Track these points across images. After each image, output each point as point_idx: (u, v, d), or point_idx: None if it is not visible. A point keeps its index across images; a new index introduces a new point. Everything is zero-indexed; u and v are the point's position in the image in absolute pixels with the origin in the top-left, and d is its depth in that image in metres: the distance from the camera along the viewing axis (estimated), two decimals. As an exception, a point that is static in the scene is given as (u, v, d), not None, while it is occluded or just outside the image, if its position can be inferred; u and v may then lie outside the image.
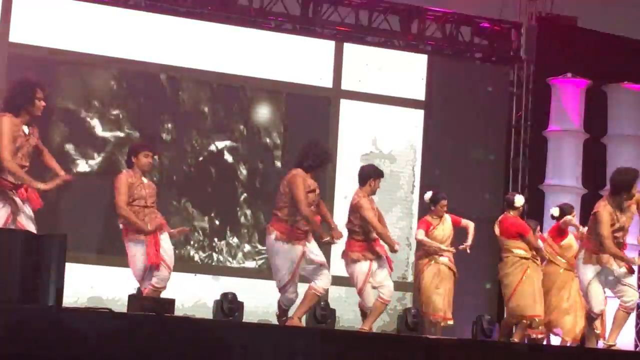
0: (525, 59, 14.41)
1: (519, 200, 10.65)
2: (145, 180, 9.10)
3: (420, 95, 14.01)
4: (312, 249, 9.11)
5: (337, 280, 11.62)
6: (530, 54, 14.40)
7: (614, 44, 14.21)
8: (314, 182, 9.01)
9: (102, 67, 12.68)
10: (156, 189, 9.31)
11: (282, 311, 9.29)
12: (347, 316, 12.72)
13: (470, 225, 10.85)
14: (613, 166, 14.13)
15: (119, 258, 10.79)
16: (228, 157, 13.13)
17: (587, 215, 9.80)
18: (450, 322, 10.72)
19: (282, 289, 9.15)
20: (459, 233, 11.02)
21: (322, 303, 11.45)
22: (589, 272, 9.26)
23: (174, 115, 12.98)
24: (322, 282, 9.15)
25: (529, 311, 10.23)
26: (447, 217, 10.82)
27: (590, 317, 9.56)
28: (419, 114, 13.99)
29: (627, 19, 14.08)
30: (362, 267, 9.51)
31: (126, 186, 8.88)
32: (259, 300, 12.30)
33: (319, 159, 9.08)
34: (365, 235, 9.56)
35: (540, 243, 10.66)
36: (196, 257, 12.83)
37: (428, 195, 11.00)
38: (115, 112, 12.73)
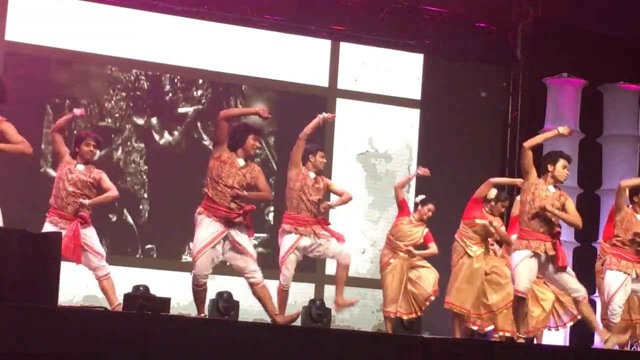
0: (521, 59, 14.42)
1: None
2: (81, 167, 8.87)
3: (416, 94, 14.02)
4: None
5: (332, 280, 11.62)
6: (526, 54, 14.41)
7: (610, 44, 14.21)
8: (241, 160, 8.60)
9: (97, 65, 12.68)
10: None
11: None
12: (343, 315, 12.72)
13: (432, 248, 10.80)
14: (608, 166, 14.19)
15: (114, 257, 10.80)
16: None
17: (586, 214, 9.78)
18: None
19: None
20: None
21: (317, 302, 11.46)
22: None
23: (169, 113, 12.98)
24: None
25: None
26: (425, 229, 10.79)
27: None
28: (415, 113, 14.00)
29: (622, 19, 14.08)
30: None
31: None
32: (255, 299, 12.31)
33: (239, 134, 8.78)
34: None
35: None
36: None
37: (419, 197, 11.00)
38: (110, 109, 12.73)
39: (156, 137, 12.95)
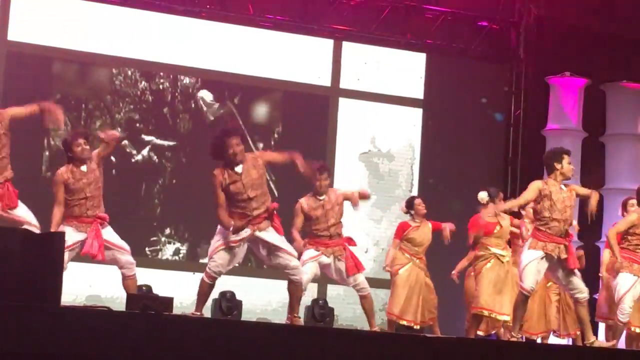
0: (524, 58, 14.41)
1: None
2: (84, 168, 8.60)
3: (419, 93, 14.02)
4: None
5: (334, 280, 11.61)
6: (529, 53, 14.40)
7: (613, 43, 14.20)
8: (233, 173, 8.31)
9: (100, 65, 12.69)
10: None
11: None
12: (346, 315, 12.74)
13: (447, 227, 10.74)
14: (611, 165, 14.19)
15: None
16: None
17: (586, 213, 9.77)
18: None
19: None
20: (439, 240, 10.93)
21: (320, 302, 11.46)
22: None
23: (170, 113, 12.98)
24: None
25: None
26: (427, 223, 10.75)
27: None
28: (418, 112, 14.00)
29: (624, 18, 14.07)
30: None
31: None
32: (258, 299, 12.33)
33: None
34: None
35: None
36: (194, 256, 12.85)
37: (403, 204, 10.94)
38: (112, 109, 12.73)
39: (159, 135, 12.95)
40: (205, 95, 13.15)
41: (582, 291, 8.81)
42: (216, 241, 8.28)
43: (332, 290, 12.73)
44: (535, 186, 8.74)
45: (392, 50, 13.91)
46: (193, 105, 13.08)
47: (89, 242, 8.39)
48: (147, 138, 12.92)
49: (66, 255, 8.49)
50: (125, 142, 12.66)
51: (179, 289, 10.24)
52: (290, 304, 8.57)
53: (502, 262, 10.08)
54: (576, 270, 8.85)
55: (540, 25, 14.36)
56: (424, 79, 14.03)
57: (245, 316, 11.08)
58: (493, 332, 10.56)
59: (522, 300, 8.74)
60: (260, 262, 8.33)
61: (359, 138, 13.71)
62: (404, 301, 10.51)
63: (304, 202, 9.32)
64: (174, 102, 13.03)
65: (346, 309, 12.75)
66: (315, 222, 9.29)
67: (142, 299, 7.30)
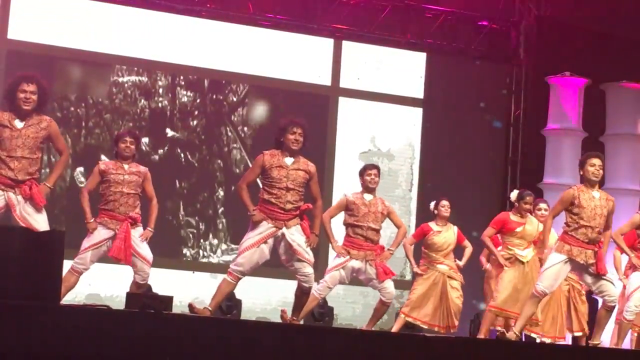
0: (524, 58, 14.42)
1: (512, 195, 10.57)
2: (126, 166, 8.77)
3: (419, 93, 14.03)
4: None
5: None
6: (529, 53, 14.41)
7: (613, 43, 14.21)
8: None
9: (100, 63, 12.70)
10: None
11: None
12: (345, 314, 12.74)
13: (468, 248, 10.76)
14: (611, 164, 14.17)
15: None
16: (226, 155, 13.14)
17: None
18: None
19: None
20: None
21: (320, 301, 11.46)
22: None
23: (170, 112, 12.99)
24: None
25: None
26: (453, 228, 10.71)
27: None
28: (418, 112, 14.00)
29: (624, 18, 14.07)
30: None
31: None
32: (257, 298, 12.33)
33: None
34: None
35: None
36: (193, 255, 12.85)
37: (432, 204, 10.90)
38: (112, 108, 12.75)
39: (160, 134, 12.96)
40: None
41: (612, 295, 8.78)
42: (245, 241, 8.21)
43: (332, 291, 12.72)
44: (566, 197, 8.68)
45: (393, 49, 13.92)
46: (191, 123, 13.08)
47: (118, 246, 8.46)
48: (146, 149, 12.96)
49: (89, 254, 8.57)
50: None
51: (179, 288, 10.24)
52: (294, 306, 8.52)
53: (522, 263, 10.06)
54: (608, 275, 8.84)
55: (541, 25, 14.37)
56: (424, 79, 14.04)
57: (245, 315, 11.11)
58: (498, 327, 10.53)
59: (534, 300, 8.71)
60: (268, 261, 8.24)
61: (359, 137, 13.72)
62: (416, 299, 10.50)
63: (350, 195, 9.41)
64: (173, 119, 13.03)
65: (346, 309, 12.76)
66: (355, 218, 9.33)
67: (141, 298, 7.30)
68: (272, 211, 8.12)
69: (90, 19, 12.58)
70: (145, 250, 8.66)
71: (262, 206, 8.16)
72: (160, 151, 12.94)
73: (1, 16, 12.22)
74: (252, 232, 8.17)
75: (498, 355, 7.52)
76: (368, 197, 9.39)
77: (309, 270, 8.23)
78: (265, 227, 8.12)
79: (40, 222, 7.77)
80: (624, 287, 10.01)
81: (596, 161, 8.66)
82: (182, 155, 12.98)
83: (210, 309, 8.17)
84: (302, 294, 8.38)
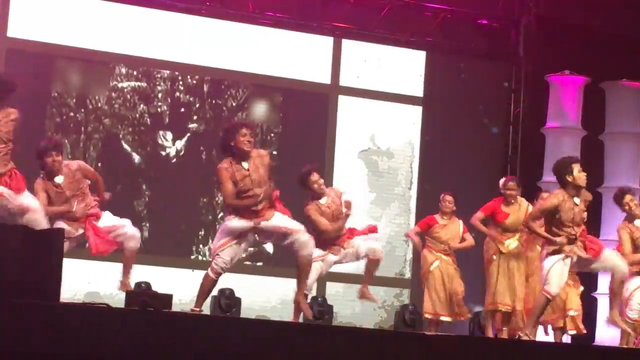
0: (523, 56, 14.41)
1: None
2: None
3: (419, 91, 14.02)
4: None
5: (334, 277, 11.62)
6: (529, 51, 14.39)
7: (612, 42, 14.19)
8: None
9: (100, 62, 12.69)
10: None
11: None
12: (345, 312, 12.73)
13: (468, 240, 10.76)
14: (611, 163, 14.18)
15: (116, 254, 10.77)
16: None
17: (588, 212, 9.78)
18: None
19: None
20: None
21: (319, 299, 11.45)
22: None
23: (170, 111, 12.99)
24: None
25: None
26: (458, 222, 10.73)
27: None
28: (417, 110, 13.99)
29: (625, 17, 14.06)
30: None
31: None
32: (257, 296, 12.32)
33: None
34: None
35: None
36: (194, 253, 12.85)
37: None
38: (112, 107, 12.74)
39: (159, 134, 12.95)
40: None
41: (619, 266, 8.79)
42: (220, 238, 8.21)
43: (331, 288, 12.73)
44: (548, 205, 8.63)
45: (392, 47, 13.91)
46: (191, 127, 13.08)
47: (94, 242, 8.47)
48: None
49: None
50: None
51: (178, 286, 10.23)
52: (297, 281, 8.38)
53: (503, 253, 10.13)
54: (605, 251, 8.82)
55: (540, 24, 14.35)
56: (423, 77, 14.03)
57: (244, 313, 11.09)
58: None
59: (544, 303, 8.70)
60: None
61: (359, 135, 13.71)
62: (435, 297, 10.51)
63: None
64: (171, 124, 13.03)
65: (345, 307, 12.75)
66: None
67: (141, 296, 7.30)
68: (249, 212, 8.08)
69: (90, 17, 12.57)
70: (114, 220, 8.68)
71: (238, 212, 8.10)
72: (162, 153, 12.95)
73: (1, 14, 12.21)
74: (229, 228, 8.14)
75: (498, 354, 7.52)
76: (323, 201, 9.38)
77: (305, 237, 8.17)
78: (242, 223, 8.11)
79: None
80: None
81: (580, 167, 8.65)
82: (183, 158, 12.97)
83: (197, 310, 8.17)
84: (305, 262, 8.24)
